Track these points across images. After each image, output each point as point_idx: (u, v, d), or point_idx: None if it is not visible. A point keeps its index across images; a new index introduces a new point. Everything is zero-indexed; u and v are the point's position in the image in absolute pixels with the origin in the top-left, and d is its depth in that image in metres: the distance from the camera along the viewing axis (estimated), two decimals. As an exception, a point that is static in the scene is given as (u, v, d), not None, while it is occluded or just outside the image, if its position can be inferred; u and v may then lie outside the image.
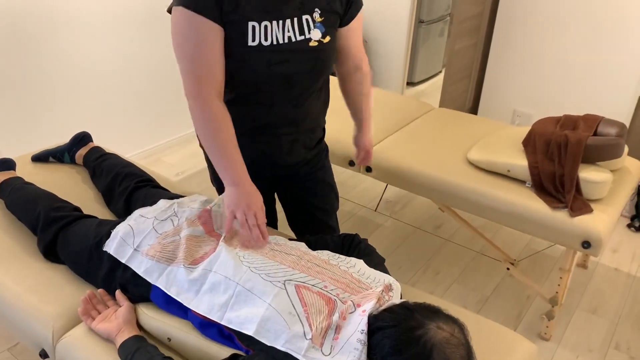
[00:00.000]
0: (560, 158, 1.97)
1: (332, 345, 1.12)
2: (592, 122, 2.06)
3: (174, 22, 1.34)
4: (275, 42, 1.37)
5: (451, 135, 2.43)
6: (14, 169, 1.94)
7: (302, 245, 1.43)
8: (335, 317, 1.16)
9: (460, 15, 3.11)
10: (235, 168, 1.39)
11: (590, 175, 1.94)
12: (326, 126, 1.76)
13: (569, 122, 2.12)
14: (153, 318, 1.39)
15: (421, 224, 2.92)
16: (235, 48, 1.36)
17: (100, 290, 1.47)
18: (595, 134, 2.03)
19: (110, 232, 1.51)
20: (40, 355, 1.45)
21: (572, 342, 2.18)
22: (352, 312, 1.16)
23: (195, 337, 1.33)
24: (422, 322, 1.05)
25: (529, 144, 2.08)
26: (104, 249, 1.48)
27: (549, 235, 1.94)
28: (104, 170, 1.92)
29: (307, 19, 1.41)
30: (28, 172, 1.99)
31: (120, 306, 1.42)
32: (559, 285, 2.07)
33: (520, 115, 3.32)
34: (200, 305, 1.29)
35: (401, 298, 1.29)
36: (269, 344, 1.16)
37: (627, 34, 2.80)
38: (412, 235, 2.82)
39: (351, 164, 2.34)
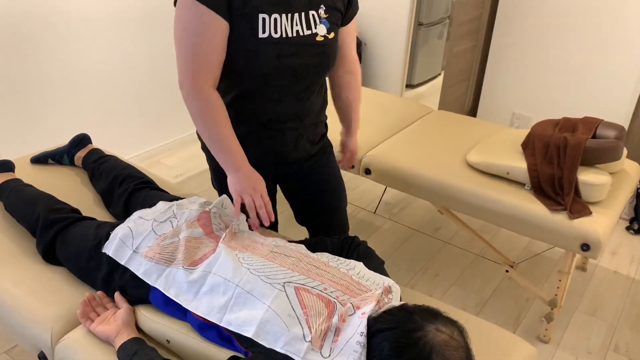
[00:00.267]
0: (559, 160, 1.98)
1: (331, 348, 1.12)
2: (591, 124, 2.07)
3: (178, 10, 1.36)
4: (284, 35, 1.40)
5: (450, 138, 2.43)
6: (13, 171, 1.94)
7: (302, 247, 1.43)
8: (335, 319, 1.16)
9: (459, 18, 3.11)
10: (234, 154, 1.43)
11: (589, 177, 1.94)
12: (326, 128, 1.77)
13: (568, 124, 2.12)
14: (152, 320, 1.39)
15: (420, 226, 2.92)
16: (245, 41, 1.38)
17: (99, 292, 1.47)
18: (594, 136, 2.03)
19: (109, 234, 1.51)
20: (39, 357, 1.45)
21: (571, 344, 2.18)
22: (352, 315, 1.16)
23: (194, 339, 1.33)
24: (422, 325, 1.05)
25: (528, 146, 2.08)
26: (103, 251, 1.48)
27: (548, 237, 1.94)
28: (103, 172, 1.92)
29: (313, 15, 1.45)
30: (27, 173, 1.99)
31: (119, 308, 1.41)
32: (558, 287, 2.07)
33: (519, 117, 3.32)
34: (199, 306, 1.29)
35: (401, 300, 1.29)
36: (268, 346, 1.15)
37: (625, 37, 2.81)
38: (411, 238, 2.82)
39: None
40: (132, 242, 1.46)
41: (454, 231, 2.88)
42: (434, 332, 1.03)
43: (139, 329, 1.40)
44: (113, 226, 1.55)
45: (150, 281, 1.39)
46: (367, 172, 2.30)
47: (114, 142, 3.17)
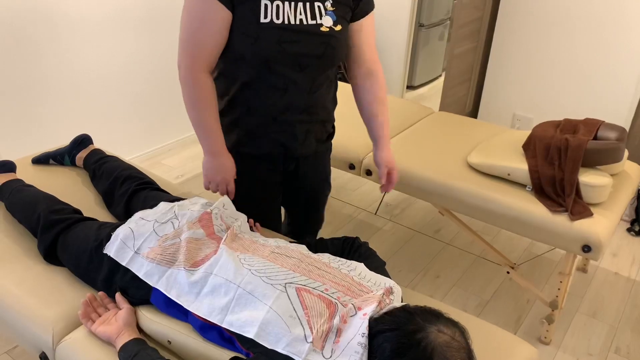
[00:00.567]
0: (560, 162, 1.98)
1: (332, 349, 1.12)
2: (592, 126, 2.07)
3: None
4: (286, 22, 1.43)
5: (451, 139, 2.43)
6: (15, 171, 1.94)
7: (303, 248, 1.43)
8: (336, 320, 1.16)
9: (460, 19, 3.11)
10: (214, 139, 1.53)
11: (590, 179, 1.94)
12: (327, 129, 1.77)
13: (569, 126, 2.12)
14: (153, 321, 1.39)
15: (421, 227, 2.92)
16: (247, 26, 1.42)
17: (100, 292, 1.47)
18: (595, 138, 2.03)
19: (111, 235, 1.51)
20: (40, 358, 1.45)
21: (572, 346, 2.18)
22: (353, 315, 1.16)
23: (195, 339, 1.33)
24: (423, 326, 1.05)
25: (529, 147, 2.08)
26: (104, 252, 1.48)
27: (549, 239, 1.94)
28: (104, 172, 1.92)
29: (319, 6, 1.47)
30: (28, 174, 1.99)
31: (120, 309, 1.41)
32: (558, 289, 2.07)
33: (520, 119, 3.32)
34: (200, 307, 1.29)
35: (402, 301, 1.29)
36: (269, 347, 1.15)
37: (626, 39, 2.81)
38: (412, 239, 2.82)
39: (351, 167, 2.34)
40: (134, 243, 1.46)
41: (454, 232, 2.88)
42: (436, 333, 1.03)
43: (140, 329, 1.40)
44: (114, 227, 1.55)
45: (151, 282, 1.39)
46: (368, 173, 2.30)
47: (115, 143, 3.18)
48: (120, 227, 1.52)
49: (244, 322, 1.21)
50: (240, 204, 1.69)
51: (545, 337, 2.17)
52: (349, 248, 1.53)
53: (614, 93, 2.94)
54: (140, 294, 1.43)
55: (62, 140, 2.87)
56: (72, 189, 1.95)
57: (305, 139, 1.64)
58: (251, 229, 1.65)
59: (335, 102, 1.71)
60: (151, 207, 1.63)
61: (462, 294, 2.44)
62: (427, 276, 2.54)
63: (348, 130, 2.44)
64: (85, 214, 1.75)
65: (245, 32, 1.43)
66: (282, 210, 1.93)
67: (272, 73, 1.48)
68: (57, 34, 2.68)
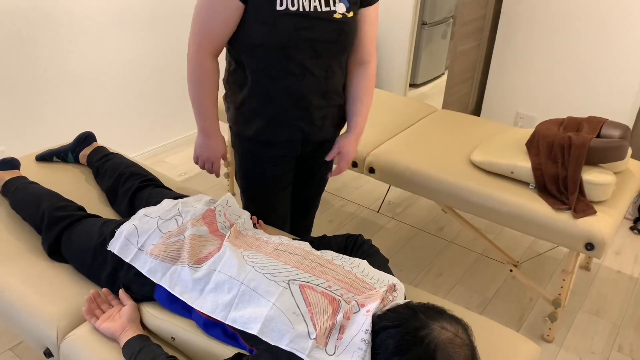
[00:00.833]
0: (563, 160, 1.97)
1: (336, 345, 1.13)
2: (596, 124, 2.06)
3: None
4: (302, 9, 1.48)
5: (454, 137, 2.43)
6: (19, 168, 1.94)
7: (306, 245, 1.44)
8: (340, 316, 1.16)
9: (463, 18, 3.11)
10: (206, 117, 1.62)
11: (593, 177, 1.94)
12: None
13: (573, 124, 2.12)
14: (157, 317, 1.40)
15: (424, 225, 2.92)
16: (264, 13, 1.46)
17: (104, 289, 1.48)
18: (598, 136, 2.03)
19: (114, 232, 1.51)
20: (44, 354, 1.45)
21: (574, 344, 2.18)
22: (356, 312, 1.17)
23: (199, 336, 1.33)
24: (426, 323, 1.05)
25: (533, 145, 2.08)
26: (108, 249, 1.49)
27: (552, 237, 1.94)
28: (107, 170, 1.93)
29: None
30: (32, 171, 2.00)
31: (124, 305, 1.42)
32: (561, 287, 2.07)
33: (523, 117, 3.32)
34: (204, 304, 1.30)
35: (405, 298, 1.29)
36: (273, 344, 1.16)
37: (630, 37, 2.80)
38: (415, 237, 2.82)
39: (354, 165, 2.34)
40: (137, 240, 1.47)
41: (457, 230, 2.88)
42: (439, 330, 1.04)
43: (144, 326, 1.41)
44: (118, 224, 1.55)
45: (155, 279, 1.39)
46: (371, 171, 2.30)
47: (119, 140, 3.18)
48: (124, 224, 1.53)
49: (248, 318, 1.21)
50: (255, 190, 1.77)
51: (548, 335, 2.17)
52: (352, 245, 1.53)
53: (618, 91, 2.94)
54: (144, 290, 1.44)
55: (65, 137, 2.88)
56: (76, 186, 1.96)
57: (322, 124, 1.69)
58: (254, 226, 1.66)
59: (344, 88, 1.75)
60: (155, 204, 1.64)
61: (465, 292, 2.44)
62: (430, 274, 2.55)
63: (351, 128, 2.44)
64: (89, 211, 1.76)
65: (262, 19, 1.47)
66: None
67: (289, 60, 1.53)
68: (61, 32, 2.69)
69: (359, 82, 1.70)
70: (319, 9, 1.49)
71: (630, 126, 2.95)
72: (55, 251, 1.60)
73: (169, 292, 1.38)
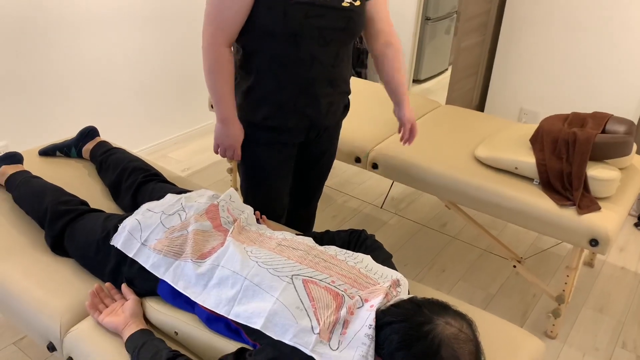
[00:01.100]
0: (568, 155, 1.96)
1: (339, 340, 1.12)
2: (601, 119, 2.05)
3: None
4: None
5: (458, 133, 2.42)
6: (22, 163, 1.94)
7: (310, 240, 1.43)
8: (343, 311, 1.16)
9: (467, 13, 3.10)
10: (224, 105, 1.63)
11: (598, 173, 1.93)
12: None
13: (577, 119, 2.11)
14: (160, 312, 1.39)
15: (427, 221, 2.91)
16: (274, 2, 1.50)
17: (107, 283, 1.48)
18: (603, 131, 2.02)
19: (118, 226, 1.51)
20: (48, 348, 1.45)
21: (578, 340, 2.17)
22: (360, 307, 1.16)
23: (202, 331, 1.33)
24: (431, 318, 1.05)
25: (537, 141, 2.07)
26: (111, 243, 1.49)
27: (556, 233, 1.93)
28: (110, 164, 1.93)
29: None
30: (35, 166, 2.00)
31: (127, 300, 1.42)
32: (565, 283, 2.06)
33: (527, 113, 3.31)
34: (207, 299, 1.29)
35: (409, 294, 1.29)
36: (276, 338, 1.16)
37: (636, 32, 2.79)
38: (418, 233, 2.81)
39: (357, 160, 2.33)
40: (141, 235, 1.47)
41: (461, 226, 2.87)
42: (443, 326, 1.03)
43: (147, 320, 1.41)
44: (121, 218, 1.55)
45: (158, 274, 1.39)
46: (375, 166, 2.29)
47: (122, 135, 3.18)
48: (127, 218, 1.53)
49: (251, 313, 1.21)
50: (257, 176, 1.80)
51: (551, 332, 2.17)
52: (356, 240, 1.53)
53: (622, 87, 2.92)
54: (147, 285, 1.43)
55: (68, 132, 2.88)
56: (79, 181, 1.96)
57: (328, 110, 1.74)
58: (257, 221, 1.66)
59: (351, 73, 1.80)
60: (158, 199, 1.64)
61: (468, 288, 2.43)
62: (433, 270, 2.54)
63: (354, 124, 2.43)
64: (92, 205, 1.76)
65: (272, 7, 1.50)
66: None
67: (299, 47, 1.56)
68: (64, 28, 2.68)
69: (391, 60, 1.80)
70: None
71: (635, 122, 2.94)
72: (58, 245, 1.60)
73: (172, 287, 1.38)
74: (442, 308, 1.08)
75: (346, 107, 1.86)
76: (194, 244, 1.41)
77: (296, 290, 1.21)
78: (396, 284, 1.25)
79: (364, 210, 2.99)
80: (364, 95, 2.76)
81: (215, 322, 1.31)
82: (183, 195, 1.61)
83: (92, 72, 2.89)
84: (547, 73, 3.15)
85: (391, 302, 1.15)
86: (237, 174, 2.06)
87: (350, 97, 2.42)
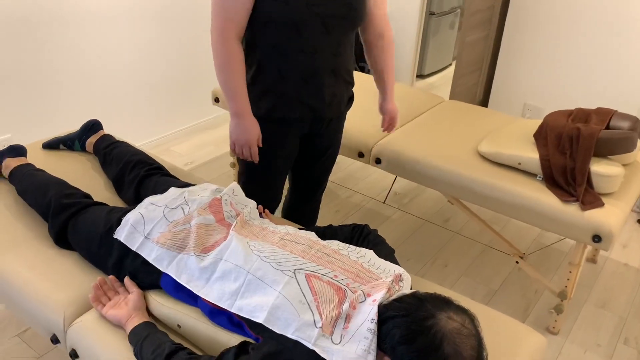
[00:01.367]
0: (572, 151, 1.96)
1: (342, 334, 1.12)
2: (605, 115, 2.05)
3: None
4: None
5: (461, 128, 2.42)
6: (25, 156, 1.94)
7: (312, 235, 1.43)
8: (345, 306, 1.16)
9: (471, 8, 3.08)
10: (237, 99, 1.61)
11: (602, 168, 1.92)
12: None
13: (582, 115, 2.10)
14: (163, 305, 1.40)
15: (430, 216, 2.91)
16: None
17: (110, 276, 1.48)
18: (607, 127, 2.01)
19: (121, 220, 1.51)
20: (51, 340, 1.46)
21: (580, 336, 2.17)
22: (362, 302, 1.16)
23: (205, 324, 1.33)
24: (433, 312, 1.05)
25: (541, 136, 2.07)
26: (115, 237, 1.49)
27: (559, 228, 1.93)
28: (114, 158, 1.93)
29: None
30: (39, 159, 2.00)
31: (130, 293, 1.42)
32: (568, 279, 2.06)
33: (530, 108, 3.30)
34: (210, 293, 1.30)
35: (411, 289, 1.29)
36: (279, 332, 1.16)
37: (638, 28, 2.77)
38: (421, 228, 2.81)
39: (360, 155, 2.33)
40: (144, 228, 1.47)
41: (463, 222, 2.87)
42: (446, 320, 1.03)
43: (150, 313, 1.41)
44: (124, 212, 1.55)
45: (161, 267, 1.40)
46: (378, 161, 2.29)
47: (125, 129, 3.18)
48: (131, 212, 1.53)
49: (254, 307, 1.21)
50: (257, 169, 1.80)
51: (553, 327, 2.17)
52: (359, 235, 1.53)
53: (627, 83, 2.91)
54: (150, 278, 1.44)
55: (72, 125, 2.88)
56: (82, 174, 1.96)
57: (332, 101, 1.73)
58: (260, 215, 1.66)
59: (353, 65, 1.80)
60: (161, 192, 1.64)
61: (471, 283, 2.43)
62: (436, 265, 2.54)
63: (357, 119, 2.43)
64: (95, 198, 1.76)
65: None
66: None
67: (300, 37, 1.57)
68: (68, 21, 2.68)
69: (381, 52, 1.80)
70: None
71: (640, 118, 2.93)
72: (62, 238, 1.61)
73: (175, 281, 1.38)
74: (445, 303, 1.08)
75: (350, 99, 1.86)
76: (197, 238, 1.41)
77: (299, 285, 1.21)
78: (399, 278, 1.25)
79: (367, 205, 2.99)
80: (367, 90, 2.75)
81: (218, 315, 1.31)
82: (186, 189, 1.62)
83: (96, 66, 2.89)
84: (551, 69, 3.14)
85: (393, 297, 1.15)
86: (237, 159, 2.07)
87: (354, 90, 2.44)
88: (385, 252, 1.44)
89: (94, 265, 1.56)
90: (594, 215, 1.86)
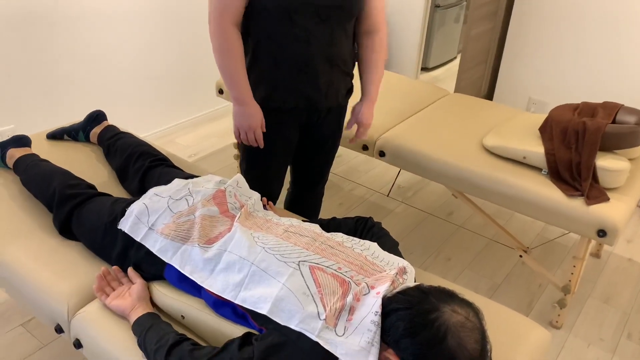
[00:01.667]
0: (577, 145, 1.95)
1: (345, 326, 1.12)
2: (611, 109, 2.03)
3: None
4: None
5: (466, 121, 2.41)
6: (30, 146, 1.95)
7: (316, 227, 1.43)
8: (349, 298, 1.16)
9: (477, 1, 3.06)
10: (239, 86, 1.62)
11: (607, 163, 1.91)
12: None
13: (588, 109, 2.09)
14: (167, 296, 1.40)
15: (434, 210, 2.91)
16: None
17: (114, 267, 1.48)
18: (614, 121, 2.00)
19: (125, 210, 1.51)
20: (55, 330, 1.47)
21: (583, 330, 2.17)
22: (366, 294, 1.16)
23: (208, 315, 1.33)
24: (437, 305, 1.04)
25: (546, 130, 2.06)
26: (119, 227, 1.49)
27: (564, 223, 1.92)
28: (118, 148, 1.93)
29: None
30: (43, 149, 2.00)
31: (134, 283, 1.42)
32: (572, 273, 2.06)
33: (535, 102, 3.28)
34: (214, 284, 1.30)
35: (415, 282, 1.29)
36: (282, 324, 1.16)
37: (648, 21, 2.75)
38: (424, 221, 2.81)
39: (364, 148, 2.33)
40: (148, 219, 1.47)
41: (467, 215, 2.87)
42: (450, 313, 1.03)
43: (153, 304, 1.41)
44: (128, 202, 1.55)
45: (165, 258, 1.40)
46: (382, 154, 2.28)
47: (129, 120, 3.18)
48: (135, 202, 1.53)
49: (258, 298, 1.21)
50: (257, 158, 1.80)
51: (557, 322, 2.17)
52: (362, 227, 1.53)
53: (632, 77, 2.89)
54: (154, 269, 1.44)
55: (76, 116, 2.88)
56: (87, 165, 1.96)
57: (328, 91, 1.72)
58: (264, 207, 1.66)
59: (354, 58, 1.78)
60: (165, 183, 1.64)
61: (474, 277, 2.43)
62: (439, 259, 2.54)
63: (362, 111, 2.42)
64: (100, 189, 1.76)
65: None
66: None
67: (294, 25, 1.56)
68: (74, 12, 2.67)
69: (370, 51, 1.75)
70: None
71: (646, 113, 2.91)
72: (66, 229, 1.61)
73: (179, 272, 1.38)
74: (449, 296, 1.08)
75: (349, 91, 1.84)
76: (201, 229, 1.41)
77: (303, 277, 1.21)
78: (402, 271, 1.25)
79: (371, 198, 2.98)
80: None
81: (222, 306, 1.31)
82: (190, 180, 1.61)
83: (101, 57, 2.89)
84: (557, 63, 3.12)
85: (397, 290, 1.15)
86: (237, 148, 2.07)
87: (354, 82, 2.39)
88: (389, 245, 1.44)
89: (98, 255, 1.56)
90: (599, 210, 1.85)
